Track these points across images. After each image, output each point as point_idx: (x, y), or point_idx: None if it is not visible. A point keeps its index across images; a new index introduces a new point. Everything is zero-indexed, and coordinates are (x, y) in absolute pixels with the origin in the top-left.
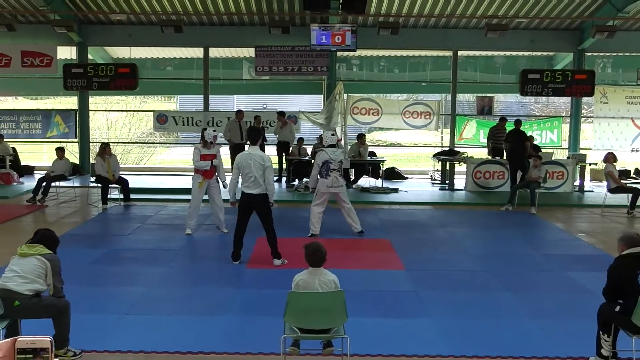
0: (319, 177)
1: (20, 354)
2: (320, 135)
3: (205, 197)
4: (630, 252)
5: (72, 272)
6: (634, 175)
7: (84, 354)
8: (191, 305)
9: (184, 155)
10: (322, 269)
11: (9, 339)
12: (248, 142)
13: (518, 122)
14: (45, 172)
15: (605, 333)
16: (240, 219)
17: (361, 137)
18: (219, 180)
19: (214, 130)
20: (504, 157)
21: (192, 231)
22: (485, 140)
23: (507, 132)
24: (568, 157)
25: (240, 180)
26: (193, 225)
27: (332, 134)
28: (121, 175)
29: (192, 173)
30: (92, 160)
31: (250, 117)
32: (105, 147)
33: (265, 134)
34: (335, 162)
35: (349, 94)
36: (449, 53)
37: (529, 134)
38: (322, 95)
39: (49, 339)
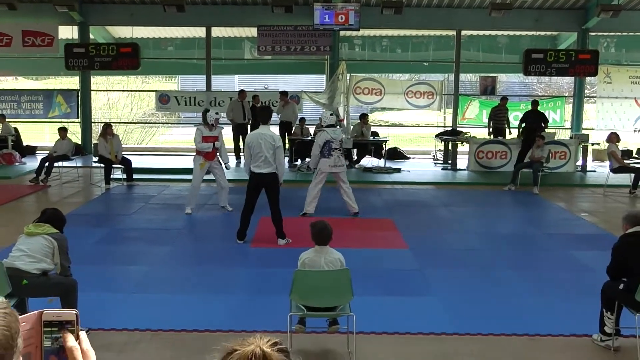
0: (320, 157)
1: (46, 327)
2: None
3: (209, 177)
4: (634, 231)
5: (76, 252)
6: (637, 155)
7: (91, 332)
8: (196, 283)
9: (186, 136)
10: (328, 248)
11: (35, 312)
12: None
13: (535, 103)
14: (48, 152)
15: (609, 311)
16: (249, 198)
17: (364, 117)
18: (221, 162)
19: (217, 113)
20: (519, 137)
21: (192, 211)
22: (487, 121)
23: (524, 112)
24: (571, 137)
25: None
26: (193, 205)
27: (331, 114)
28: (124, 156)
29: (194, 154)
30: (94, 141)
31: (250, 96)
32: (107, 128)
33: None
34: (336, 141)
35: (352, 74)
36: (452, 33)
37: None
38: (324, 75)
39: (75, 312)
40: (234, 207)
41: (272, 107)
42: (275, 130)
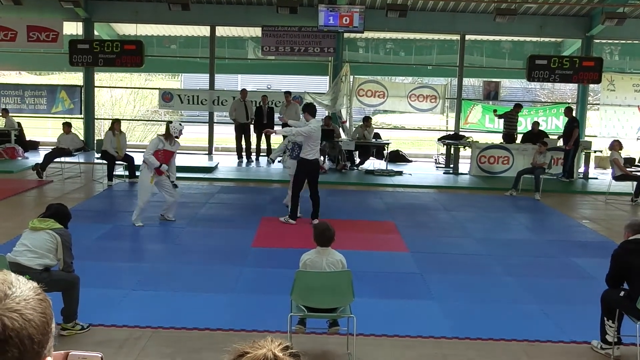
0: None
1: None
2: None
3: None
4: (635, 238)
5: (78, 247)
6: (639, 163)
7: (91, 327)
8: (197, 282)
9: (188, 134)
10: (330, 249)
11: (61, 352)
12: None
13: (569, 110)
14: (52, 147)
15: (610, 319)
16: (301, 182)
17: (367, 119)
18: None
19: (180, 124)
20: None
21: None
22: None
23: (566, 123)
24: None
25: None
26: (140, 221)
27: None
28: (126, 153)
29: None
30: (97, 137)
31: (253, 96)
32: (114, 123)
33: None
34: None
35: (355, 76)
36: (456, 37)
37: (534, 119)
38: (328, 77)
39: (100, 355)
40: (232, 207)
41: (276, 107)
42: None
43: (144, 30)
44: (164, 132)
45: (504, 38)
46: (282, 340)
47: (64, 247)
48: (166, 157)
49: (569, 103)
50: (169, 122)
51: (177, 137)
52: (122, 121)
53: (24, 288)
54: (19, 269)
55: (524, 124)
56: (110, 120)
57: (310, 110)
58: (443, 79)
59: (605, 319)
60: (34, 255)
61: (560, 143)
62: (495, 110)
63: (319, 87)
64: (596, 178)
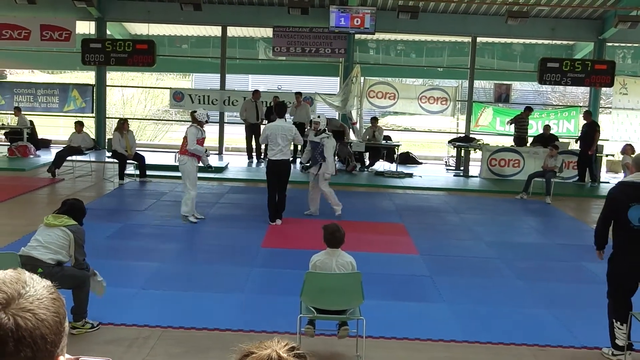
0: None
1: None
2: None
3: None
4: (633, 180)
5: (88, 245)
6: None
7: (101, 326)
8: (207, 282)
9: None
10: (340, 251)
11: (72, 357)
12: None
13: (588, 114)
14: (64, 146)
15: (619, 320)
16: (269, 182)
17: (374, 120)
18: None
19: (204, 109)
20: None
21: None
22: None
23: (583, 126)
24: None
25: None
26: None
27: (318, 116)
28: (137, 152)
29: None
30: (108, 136)
31: (264, 96)
32: (123, 123)
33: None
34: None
35: (366, 77)
36: (467, 39)
37: (546, 123)
38: (338, 78)
39: None
40: (242, 207)
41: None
42: None
43: (155, 30)
44: (193, 123)
45: (515, 40)
46: (288, 341)
47: (76, 244)
48: (202, 144)
49: (580, 106)
50: (193, 112)
51: (207, 122)
52: (131, 120)
53: (37, 287)
54: (32, 261)
55: (535, 127)
56: (117, 120)
57: (277, 111)
58: (454, 81)
59: (614, 320)
60: (46, 251)
61: (574, 145)
62: (507, 120)
63: (330, 88)
64: (608, 182)
